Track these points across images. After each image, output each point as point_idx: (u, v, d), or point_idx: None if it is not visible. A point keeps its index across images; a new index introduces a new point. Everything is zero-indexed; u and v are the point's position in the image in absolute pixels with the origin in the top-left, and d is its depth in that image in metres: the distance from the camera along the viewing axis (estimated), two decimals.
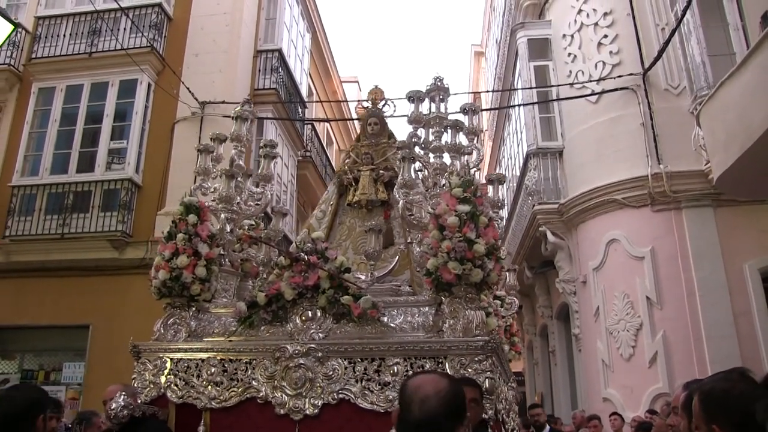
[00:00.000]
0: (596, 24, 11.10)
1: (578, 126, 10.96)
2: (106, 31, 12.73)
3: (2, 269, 12.05)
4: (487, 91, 18.51)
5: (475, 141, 6.19)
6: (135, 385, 4.94)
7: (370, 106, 7.14)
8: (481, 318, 4.49)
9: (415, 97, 6.23)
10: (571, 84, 11.04)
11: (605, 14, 11.05)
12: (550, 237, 10.92)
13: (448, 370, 4.25)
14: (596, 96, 10.69)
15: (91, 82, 12.70)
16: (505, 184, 16.05)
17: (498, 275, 4.72)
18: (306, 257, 4.89)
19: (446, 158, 5.94)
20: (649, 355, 9.41)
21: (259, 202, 6.29)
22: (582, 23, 11.30)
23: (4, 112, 13.06)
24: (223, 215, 5.78)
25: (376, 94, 7.13)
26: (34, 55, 13.05)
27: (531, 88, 11.68)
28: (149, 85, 12.52)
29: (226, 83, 12.50)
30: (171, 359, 4.98)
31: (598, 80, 10.73)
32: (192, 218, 5.30)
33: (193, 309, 5.30)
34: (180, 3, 13.47)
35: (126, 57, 11.93)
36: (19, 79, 13.06)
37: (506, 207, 13.98)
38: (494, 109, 16.77)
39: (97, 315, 11.25)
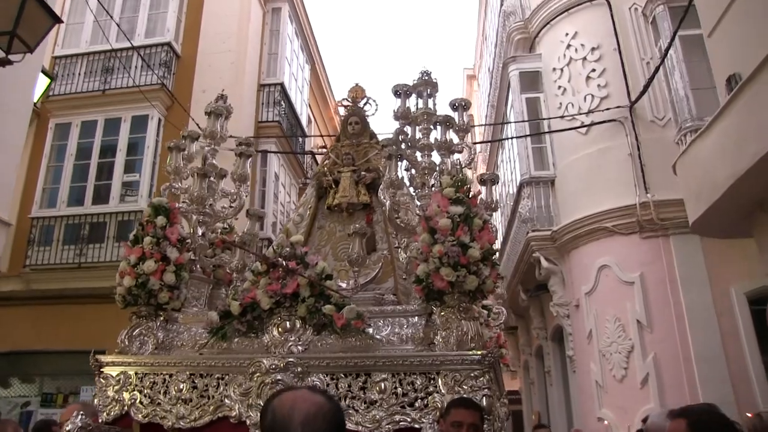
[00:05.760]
0: (584, 58, 11.02)
1: (569, 156, 10.86)
2: (118, 69, 12.70)
3: (23, 297, 12.02)
4: (482, 125, 18.45)
5: (466, 138, 5.64)
6: (96, 403, 4.46)
7: (351, 104, 6.50)
8: (477, 329, 3.98)
9: (401, 92, 5.65)
10: (562, 116, 10.97)
11: (593, 49, 10.97)
12: (544, 262, 10.78)
13: (441, 387, 3.80)
14: (586, 128, 10.62)
15: (104, 117, 12.67)
16: (499, 210, 16.08)
17: (494, 282, 4.22)
18: (284, 263, 4.35)
19: (435, 157, 5.39)
20: (640, 377, 9.24)
21: (233, 204, 5.72)
22: (571, 57, 11.22)
23: (24, 147, 13.00)
24: (194, 217, 5.27)
25: (357, 92, 6.53)
26: (51, 93, 13.00)
27: (523, 121, 11.58)
28: (159, 120, 12.46)
29: (232, 118, 12.37)
30: (136, 374, 4.45)
31: (587, 113, 10.63)
32: (161, 220, 4.75)
33: (161, 319, 4.73)
34: (188, 41, 13.43)
35: (138, 93, 11.89)
36: (37, 116, 12.99)
37: (501, 232, 13.90)
38: (489, 141, 16.72)
39: (112, 340, 11.10)
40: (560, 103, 11.20)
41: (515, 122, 11.84)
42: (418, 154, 5.47)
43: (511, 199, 12.94)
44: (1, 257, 12.20)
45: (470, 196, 4.31)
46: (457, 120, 5.56)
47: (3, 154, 7.83)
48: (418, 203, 5.24)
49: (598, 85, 10.77)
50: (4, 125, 7.78)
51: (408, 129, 5.68)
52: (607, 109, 10.45)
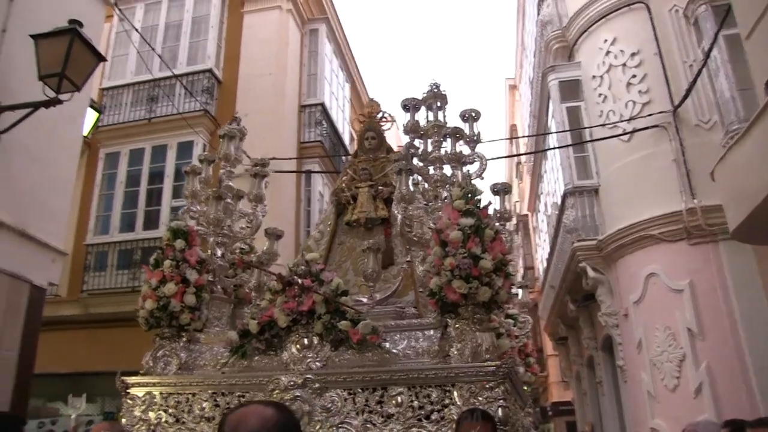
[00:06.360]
0: (624, 65, 10.81)
1: (612, 164, 10.67)
2: (162, 97, 12.99)
3: (81, 320, 12.38)
4: (523, 137, 18.30)
5: (476, 149, 5.56)
6: (123, 422, 4.54)
7: (367, 119, 6.42)
8: (491, 340, 3.96)
9: (410, 106, 5.65)
10: (603, 124, 10.80)
11: (633, 54, 10.76)
12: (591, 272, 10.58)
13: (456, 399, 3.78)
14: (628, 135, 10.43)
15: (151, 145, 12.97)
16: (544, 220, 15.91)
17: (508, 292, 4.20)
18: (299, 281, 4.37)
19: (447, 169, 5.42)
20: (693, 386, 8.99)
21: (250, 224, 5.79)
22: (611, 64, 11.03)
23: (76, 178, 13.39)
24: (212, 239, 5.35)
25: (373, 107, 6.44)
26: (100, 124, 13.34)
27: (564, 131, 11.44)
28: (204, 146, 12.68)
29: (275, 140, 12.58)
30: (161, 393, 4.54)
31: (629, 120, 10.44)
32: (179, 243, 4.84)
33: (184, 339, 4.83)
34: (228, 67, 13.67)
35: (182, 121, 12.13)
36: (88, 146, 13.36)
37: (547, 242, 13.74)
38: (531, 153, 16.58)
39: None
40: (601, 111, 11.03)
41: (556, 132, 11.69)
42: (430, 167, 5.45)
43: (556, 209, 12.77)
44: (60, 284, 12.61)
45: (480, 207, 4.28)
46: (467, 131, 5.50)
47: (56, 188, 8.07)
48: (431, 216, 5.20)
49: (639, 91, 10.56)
50: (56, 160, 8.03)
51: (419, 142, 5.67)
52: (650, 114, 10.22)
